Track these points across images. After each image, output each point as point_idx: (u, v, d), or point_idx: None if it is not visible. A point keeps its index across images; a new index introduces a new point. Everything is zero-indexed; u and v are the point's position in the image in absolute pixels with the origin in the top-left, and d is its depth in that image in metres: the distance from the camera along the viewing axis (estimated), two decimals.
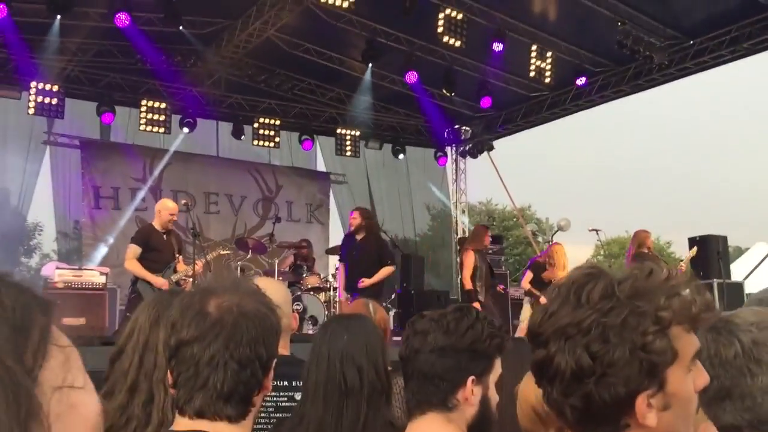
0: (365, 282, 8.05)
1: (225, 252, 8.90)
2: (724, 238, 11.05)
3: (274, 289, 2.35)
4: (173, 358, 1.46)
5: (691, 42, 11.04)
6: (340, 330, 2.26)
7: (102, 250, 11.96)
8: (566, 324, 1.09)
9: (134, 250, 7.17)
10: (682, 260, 11.15)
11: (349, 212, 8.74)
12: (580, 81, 12.00)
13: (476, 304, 8.09)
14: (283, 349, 2.32)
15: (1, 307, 0.69)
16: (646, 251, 9.21)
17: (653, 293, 1.08)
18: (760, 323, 1.52)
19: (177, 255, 7.39)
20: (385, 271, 8.32)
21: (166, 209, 7.41)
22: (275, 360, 1.53)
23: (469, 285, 8.68)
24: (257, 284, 2.28)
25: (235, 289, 1.50)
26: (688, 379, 1.11)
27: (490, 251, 12.18)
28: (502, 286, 10.62)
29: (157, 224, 7.42)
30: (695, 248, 9.59)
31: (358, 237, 8.40)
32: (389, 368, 2.35)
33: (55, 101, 11.24)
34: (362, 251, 8.22)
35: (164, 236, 7.35)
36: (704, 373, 1.16)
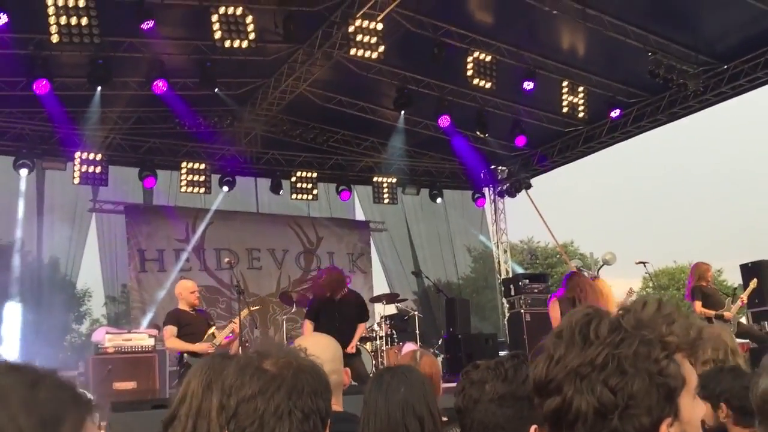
0: (353, 347, 7.76)
1: (254, 308, 8.92)
2: None
3: (324, 345, 2.33)
4: (233, 419, 1.43)
5: (725, 66, 10.91)
6: (395, 382, 2.22)
7: (150, 313, 12.10)
8: (579, 364, 1.11)
9: (171, 329, 7.20)
10: (733, 289, 10.83)
11: (322, 272, 8.32)
12: (615, 113, 11.92)
13: None
14: (336, 405, 2.29)
15: (35, 400, 0.71)
16: (705, 284, 8.94)
17: (654, 322, 1.13)
18: None
19: (211, 323, 7.46)
20: (362, 328, 8.11)
21: (185, 289, 7.46)
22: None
23: None
24: (305, 342, 2.26)
25: (285, 352, 1.50)
26: (695, 407, 1.14)
27: (535, 291, 12.01)
28: None
29: (182, 306, 7.46)
30: (756, 280, 9.29)
31: (336, 297, 7.85)
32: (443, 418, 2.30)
33: (98, 169, 11.57)
34: (342, 313, 7.78)
35: (193, 313, 7.41)
36: (702, 404, 1.19)
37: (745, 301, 9.19)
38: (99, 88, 10.07)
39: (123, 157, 12.30)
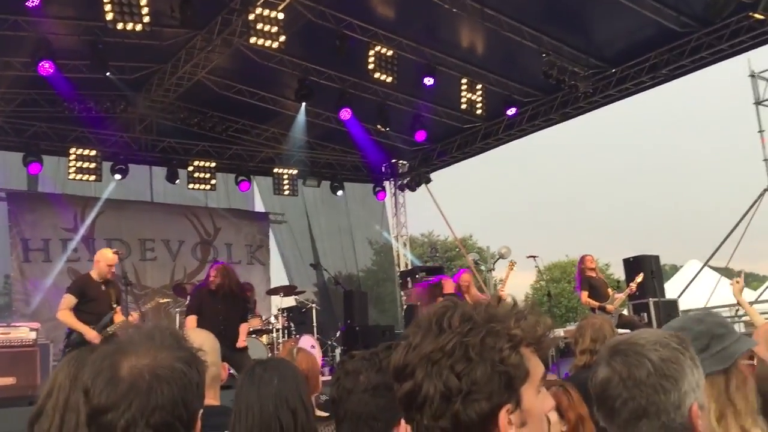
0: (243, 341, 7.59)
1: (164, 301, 8.62)
2: (657, 258, 11.38)
3: (201, 339, 2.28)
4: (92, 425, 1.39)
5: (614, 70, 11.45)
6: (268, 375, 2.20)
7: (33, 304, 11.51)
8: (431, 350, 1.18)
9: (69, 300, 6.90)
10: (617, 281, 11.41)
11: (210, 267, 7.93)
12: (511, 111, 12.29)
13: None
14: (213, 399, 2.25)
15: None
16: (593, 275, 9.44)
17: (505, 317, 1.21)
18: (661, 341, 1.58)
19: (114, 306, 7.15)
20: (246, 327, 7.90)
21: (104, 260, 7.16)
22: (202, 411, 1.46)
23: None
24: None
25: (151, 345, 1.42)
26: (539, 399, 1.21)
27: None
28: None
29: (94, 274, 7.16)
30: (641, 274, 9.84)
31: (219, 294, 7.60)
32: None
33: None
34: (228, 310, 7.55)
35: (102, 286, 7.10)
36: (550, 398, 1.27)
37: (635, 289, 9.72)
38: None
39: (6, 141, 11.61)
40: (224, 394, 2.43)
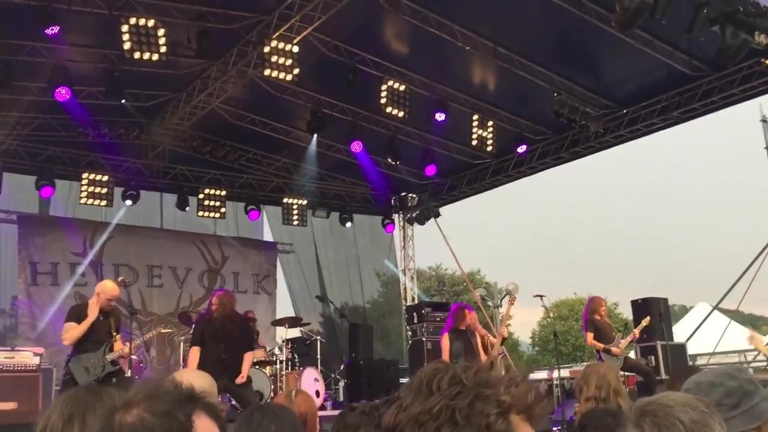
0: (244, 377, 7.45)
1: (166, 330, 8.60)
2: (665, 300, 11.30)
3: (199, 378, 2.28)
4: None
5: (624, 111, 11.48)
6: (266, 421, 2.18)
7: (39, 328, 11.51)
8: (419, 412, 1.18)
9: (71, 327, 6.91)
10: (624, 324, 11.31)
11: (212, 295, 7.88)
12: (521, 149, 12.31)
13: None
14: None
15: None
16: (598, 318, 9.37)
17: (495, 382, 1.20)
18: (691, 404, 1.57)
19: (113, 334, 7.15)
20: (250, 357, 7.78)
21: (104, 293, 7.16)
22: None
23: None
24: (178, 374, 2.20)
25: (150, 403, 1.37)
26: None
27: (438, 319, 12.14)
28: None
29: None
30: (648, 318, 9.77)
31: (219, 323, 7.49)
32: None
33: None
34: (230, 339, 7.45)
35: (100, 316, 7.11)
36: None
37: (638, 336, 9.63)
38: None
39: (19, 164, 11.70)
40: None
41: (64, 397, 1.98)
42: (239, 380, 7.34)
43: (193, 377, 2.28)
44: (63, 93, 9.51)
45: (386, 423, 1.23)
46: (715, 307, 14.94)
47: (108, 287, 7.25)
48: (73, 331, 6.90)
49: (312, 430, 2.92)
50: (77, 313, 7.08)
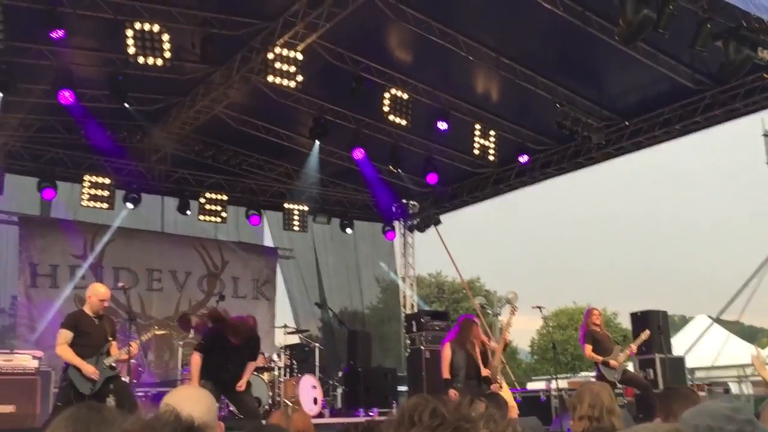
0: (243, 386, 7.45)
1: (160, 332, 8.57)
2: (665, 313, 11.30)
3: (197, 398, 2.28)
4: None
5: (626, 123, 11.50)
6: None
7: (38, 330, 11.51)
8: None
9: (65, 335, 6.87)
10: (623, 336, 11.30)
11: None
12: (523, 159, 12.32)
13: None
14: None
15: None
16: (597, 330, 9.37)
17: (476, 418, 1.24)
18: None
19: (109, 339, 7.14)
20: (252, 367, 7.74)
21: (96, 295, 7.12)
22: None
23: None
24: (177, 395, 2.20)
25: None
26: None
27: (436, 328, 12.13)
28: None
29: (87, 309, 7.15)
30: (647, 331, 9.74)
31: (235, 341, 7.38)
32: None
33: None
34: (238, 358, 7.46)
35: (95, 321, 7.09)
36: None
37: (635, 351, 9.61)
38: (0, 94, 9.59)
39: (21, 166, 11.73)
40: None
41: (66, 415, 1.98)
42: (239, 387, 7.33)
43: (193, 398, 2.29)
44: (67, 96, 9.52)
45: None
46: (716, 320, 14.94)
47: (98, 290, 7.21)
48: (66, 353, 6.82)
49: None
50: (74, 321, 7.04)
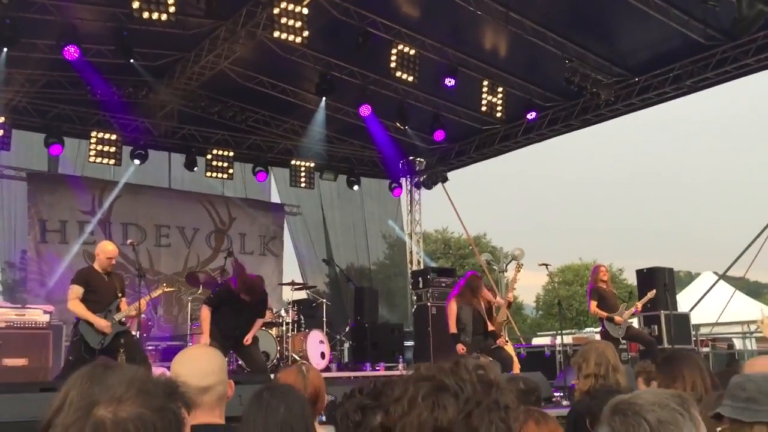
0: (249, 340, 7.64)
1: (169, 289, 8.68)
2: (671, 270, 11.33)
3: (209, 356, 2.32)
4: None
5: (636, 79, 11.36)
6: (275, 401, 2.23)
7: (48, 285, 11.65)
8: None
9: (76, 290, 6.98)
10: (628, 293, 11.36)
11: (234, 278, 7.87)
12: (531, 115, 12.24)
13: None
14: (219, 418, 2.29)
15: None
16: (603, 286, 9.43)
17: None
18: (661, 402, 1.57)
19: (119, 295, 7.25)
20: (260, 323, 7.99)
21: (104, 253, 7.21)
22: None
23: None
24: (188, 354, 2.24)
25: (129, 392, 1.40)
26: None
27: (443, 284, 12.22)
28: None
29: (97, 266, 7.26)
30: (654, 291, 9.79)
31: (247, 299, 7.62)
32: None
33: (0, 133, 10.98)
34: (248, 315, 7.66)
35: (105, 277, 7.20)
36: None
37: (639, 309, 9.67)
38: (5, 49, 9.54)
39: (28, 122, 11.72)
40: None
41: (80, 373, 2.01)
42: (245, 342, 7.46)
43: (204, 358, 2.32)
44: (72, 51, 9.47)
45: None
46: (722, 277, 14.96)
47: (106, 247, 7.30)
48: (77, 308, 6.94)
49: (322, 402, 3.00)
50: (85, 277, 7.14)
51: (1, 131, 10.99)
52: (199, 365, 2.26)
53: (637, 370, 5.05)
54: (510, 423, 1.21)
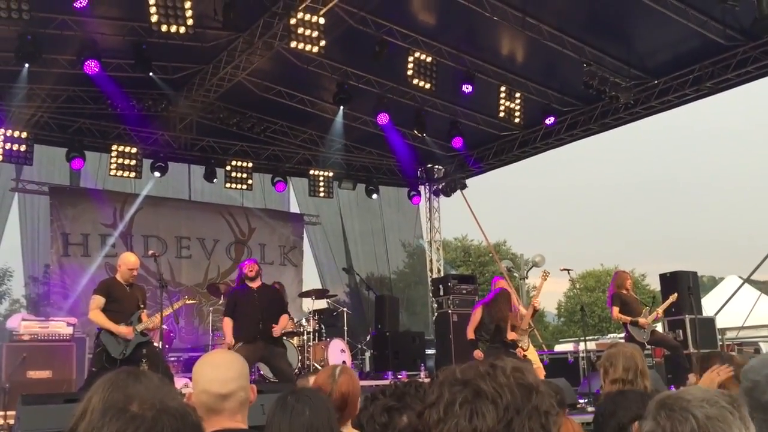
0: (278, 330, 7.75)
1: (191, 301, 8.74)
2: (695, 274, 11.18)
3: (229, 362, 2.31)
4: None
5: (656, 81, 11.26)
6: (300, 405, 2.22)
7: (71, 298, 11.75)
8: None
9: (98, 300, 7.04)
10: (652, 297, 11.22)
11: (247, 262, 8.26)
12: (549, 121, 12.16)
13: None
14: (241, 423, 2.27)
15: None
16: (624, 292, 9.29)
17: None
18: (710, 399, 1.53)
19: (140, 306, 7.29)
20: (286, 318, 8.11)
21: (125, 264, 7.27)
22: None
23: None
24: (209, 360, 2.24)
25: (158, 392, 1.46)
26: None
27: (464, 291, 12.17)
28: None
29: (119, 277, 7.32)
30: (675, 294, 9.65)
31: (254, 285, 7.93)
32: None
33: (23, 148, 11.10)
34: (265, 303, 7.82)
35: (127, 288, 7.24)
36: None
37: (661, 315, 9.53)
38: (27, 65, 9.67)
39: (50, 136, 11.85)
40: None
41: (104, 380, 2.02)
42: (275, 333, 7.61)
43: (225, 364, 2.31)
44: (92, 66, 9.59)
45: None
46: (746, 280, 14.75)
47: (128, 259, 7.35)
48: (98, 317, 6.99)
49: (353, 408, 2.91)
50: (107, 288, 7.20)
51: (24, 146, 11.11)
52: (220, 371, 2.25)
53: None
54: (550, 428, 1.17)
